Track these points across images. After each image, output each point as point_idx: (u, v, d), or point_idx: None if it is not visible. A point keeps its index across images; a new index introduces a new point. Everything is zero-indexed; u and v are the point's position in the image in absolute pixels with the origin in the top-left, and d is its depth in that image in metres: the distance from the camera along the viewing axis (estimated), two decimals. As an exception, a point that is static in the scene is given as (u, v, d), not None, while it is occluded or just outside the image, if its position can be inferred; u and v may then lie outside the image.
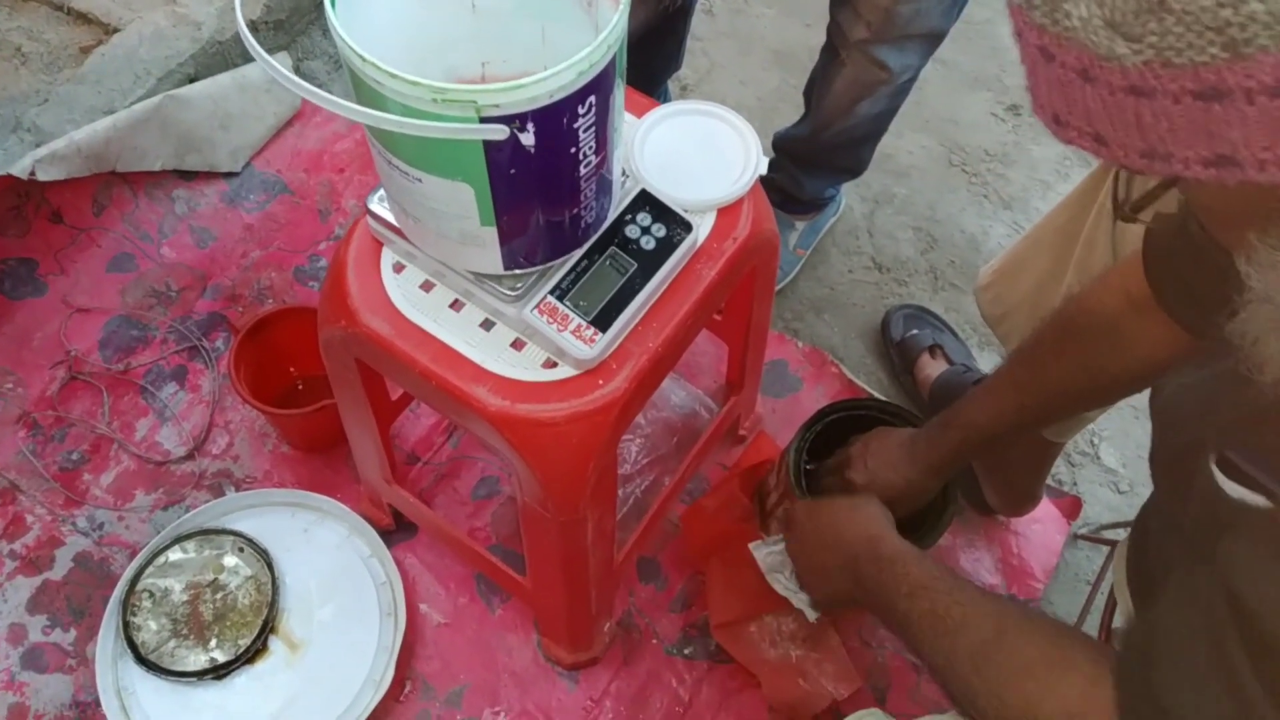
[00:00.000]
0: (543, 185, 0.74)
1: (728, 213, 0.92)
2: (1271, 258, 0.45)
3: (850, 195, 1.68)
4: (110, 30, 1.57)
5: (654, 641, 1.28)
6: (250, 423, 1.40)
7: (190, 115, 1.52)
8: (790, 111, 1.57)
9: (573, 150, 0.72)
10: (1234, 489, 0.58)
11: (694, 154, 0.94)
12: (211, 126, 1.55)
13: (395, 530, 1.33)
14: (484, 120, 0.65)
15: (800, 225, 1.56)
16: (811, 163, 1.46)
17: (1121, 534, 1.38)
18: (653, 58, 1.49)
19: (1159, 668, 0.60)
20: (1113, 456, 1.49)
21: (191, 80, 1.56)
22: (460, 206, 0.74)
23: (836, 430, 1.14)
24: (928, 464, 1.00)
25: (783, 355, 1.49)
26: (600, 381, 0.84)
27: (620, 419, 0.85)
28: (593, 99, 0.69)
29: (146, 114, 1.46)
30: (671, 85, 1.68)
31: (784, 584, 1.06)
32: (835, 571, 0.93)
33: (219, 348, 1.45)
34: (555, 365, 0.84)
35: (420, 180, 0.73)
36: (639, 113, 0.96)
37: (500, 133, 0.66)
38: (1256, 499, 0.56)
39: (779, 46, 1.88)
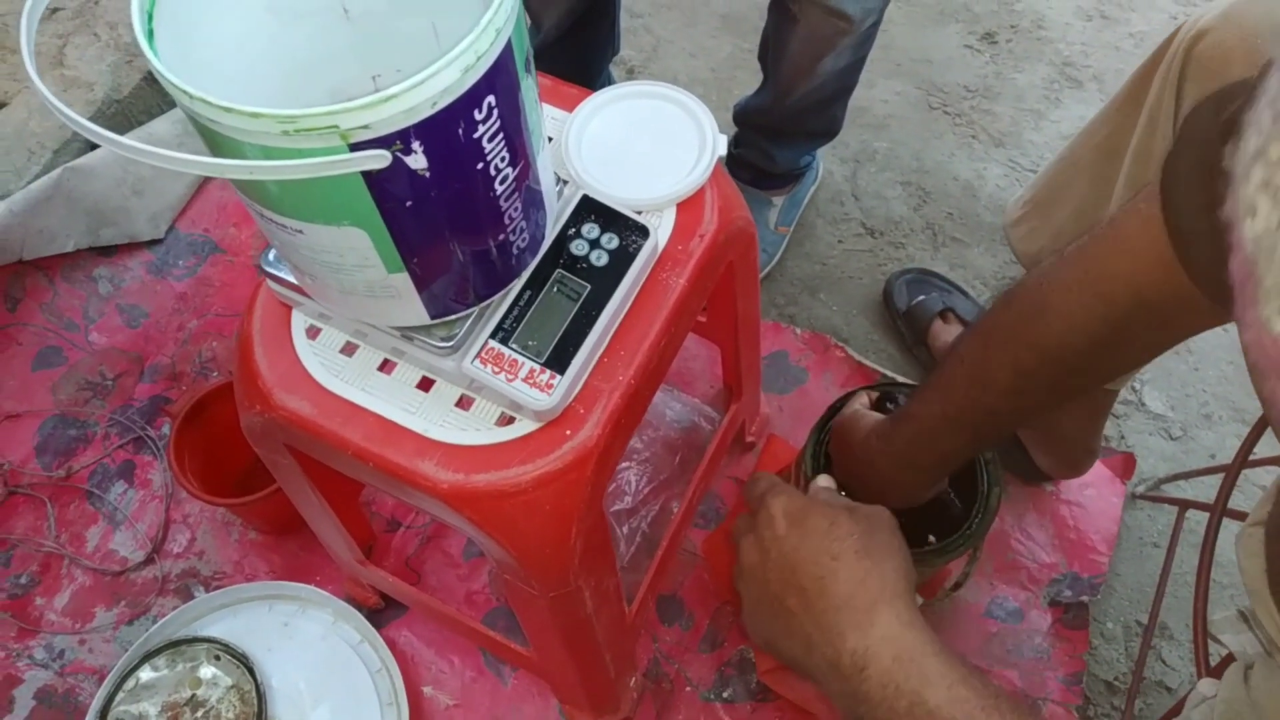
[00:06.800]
0: (453, 215, 0.60)
1: (689, 207, 0.78)
2: None
3: (828, 158, 1.54)
4: (-2, 107, 1.43)
5: (688, 689, 1.14)
6: (211, 512, 1.27)
7: (97, 185, 1.38)
8: (749, 79, 1.43)
9: (480, 166, 0.58)
10: None
11: (640, 145, 0.80)
12: (123, 194, 1.41)
13: (385, 608, 1.20)
14: (355, 147, 0.51)
15: (778, 201, 1.42)
16: (780, 132, 1.32)
17: (1185, 488, 1.24)
18: (585, 46, 1.34)
19: None
20: (1159, 400, 1.35)
21: (93, 147, 1.42)
22: (357, 256, 0.60)
23: None
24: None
25: (781, 345, 1.36)
26: (568, 432, 0.70)
27: (599, 471, 0.71)
28: (491, 99, 0.55)
29: (46, 192, 1.32)
30: (615, 70, 1.54)
31: None
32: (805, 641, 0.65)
33: (165, 434, 1.32)
34: (512, 420, 0.71)
35: (301, 232, 0.59)
36: (569, 105, 0.82)
37: (380, 160, 0.52)
38: None
39: (726, 10, 1.74)
